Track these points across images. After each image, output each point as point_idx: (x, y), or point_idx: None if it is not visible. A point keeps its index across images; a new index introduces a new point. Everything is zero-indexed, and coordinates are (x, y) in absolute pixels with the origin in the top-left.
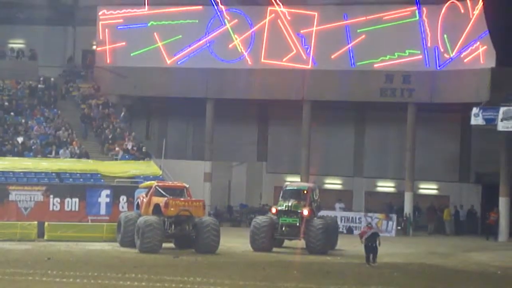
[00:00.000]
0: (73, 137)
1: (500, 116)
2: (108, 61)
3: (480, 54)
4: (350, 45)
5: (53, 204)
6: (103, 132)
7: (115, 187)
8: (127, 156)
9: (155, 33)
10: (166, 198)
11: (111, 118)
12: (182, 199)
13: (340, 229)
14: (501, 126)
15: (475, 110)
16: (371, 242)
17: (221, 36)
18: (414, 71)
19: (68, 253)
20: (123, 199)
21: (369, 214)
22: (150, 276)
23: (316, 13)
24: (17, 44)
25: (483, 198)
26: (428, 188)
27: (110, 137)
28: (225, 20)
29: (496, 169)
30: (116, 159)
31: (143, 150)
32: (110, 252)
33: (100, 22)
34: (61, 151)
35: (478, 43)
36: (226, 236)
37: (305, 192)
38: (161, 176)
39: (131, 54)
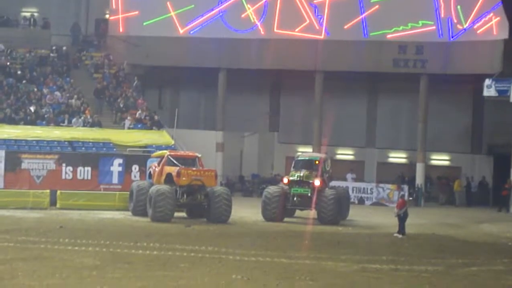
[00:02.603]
0: (86, 106)
1: None
2: (121, 30)
3: (493, 25)
4: (363, 15)
5: (66, 173)
6: (115, 101)
7: (128, 156)
8: (139, 126)
9: (168, 2)
10: (178, 168)
11: (124, 88)
12: (194, 168)
13: (352, 200)
14: None
15: (487, 81)
16: (404, 214)
17: (233, 6)
18: (427, 42)
19: (80, 222)
20: (135, 168)
21: (381, 185)
22: (161, 245)
23: None
24: (30, 12)
25: (495, 169)
26: (440, 159)
27: (122, 106)
28: None
29: (508, 141)
30: (130, 128)
31: (156, 119)
32: (122, 221)
33: None
34: (73, 120)
35: (491, 14)
36: (237, 206)
37: (317, 162)
38: (173, 146)
39: (144, 24)
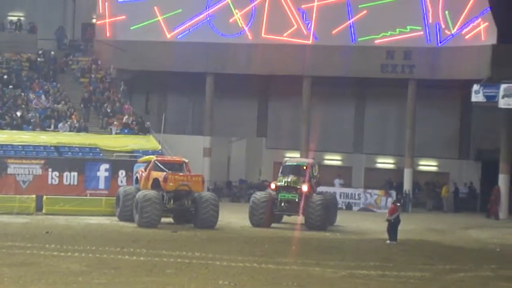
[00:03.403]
0: (72, 110)
1: (501, 93)
2: (107, 34)
3: (481, 30)
4: (351, 20)
5: (52, 178)
6: (102, 106)
7: (114, 161)
8: (126, 131)
9: (155, 7)
10: (165, 173)
11: (110, 92)
12: (181, 174)
13: (339, 205)
14: (502, 103)
15: (475, 87)
16: (396, 220)
17: (221, 11)
18: (415, 47)
19: (67, 227)
20: (122, 173)
21: (368, 191)
22: (148, 250)
23: None
24: (16, 16)
25: (483, 175)
26: (428, 165)
27: (109, 111)
28: None
29: (496, 146)
30: (117, 133)
31: (146, 125)
32: (109, 226)
33: None
34: (60, 125)
35: (480, 19)
36: (225, 212)
37: (305, 168)
38: (160, 151)
39: (131, 28)
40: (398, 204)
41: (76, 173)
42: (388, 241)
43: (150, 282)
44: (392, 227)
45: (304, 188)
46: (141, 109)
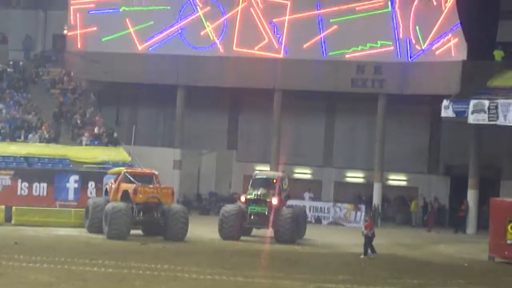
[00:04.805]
0: (42, 121)
1: (471, 108)
2: (79, 46)
3: (451, 46)
4: (322, 35)
5: (21, 189)
6: (72, 117)
7: (84, 172)
8: (96, 142)
9: (127, 19)
10: (135, 185)
11: (81, 104)
12: (151, 186)
13: (309, 219)
14: (472, 118)
15: (445, 102)
16: (372, 234)
17: (193, 23)
18: (386, 62)
19: (36, 238)
20: (91, 184)
21: (338, 204)
22: (117, 262)
23: (288, 2)
24: None
25: (452, 190)
26: (397, 180)
27: (79, 122)
28: (197, 7)
29: (465, 162)
30: (87, 145)
31: (114, 136)
32: (78, 237)
33: (72, 7)
34: (30, 136)
35: (450, 35)
36: (194, 224)
37: (275, 181)
38: (130, 163)
39: (102, 40)
40: (367, 218)
41: (45, 184)
42: (372, 255)
43: None
44: (369, 241)
45: (274, 201)
46: (111, 121)
